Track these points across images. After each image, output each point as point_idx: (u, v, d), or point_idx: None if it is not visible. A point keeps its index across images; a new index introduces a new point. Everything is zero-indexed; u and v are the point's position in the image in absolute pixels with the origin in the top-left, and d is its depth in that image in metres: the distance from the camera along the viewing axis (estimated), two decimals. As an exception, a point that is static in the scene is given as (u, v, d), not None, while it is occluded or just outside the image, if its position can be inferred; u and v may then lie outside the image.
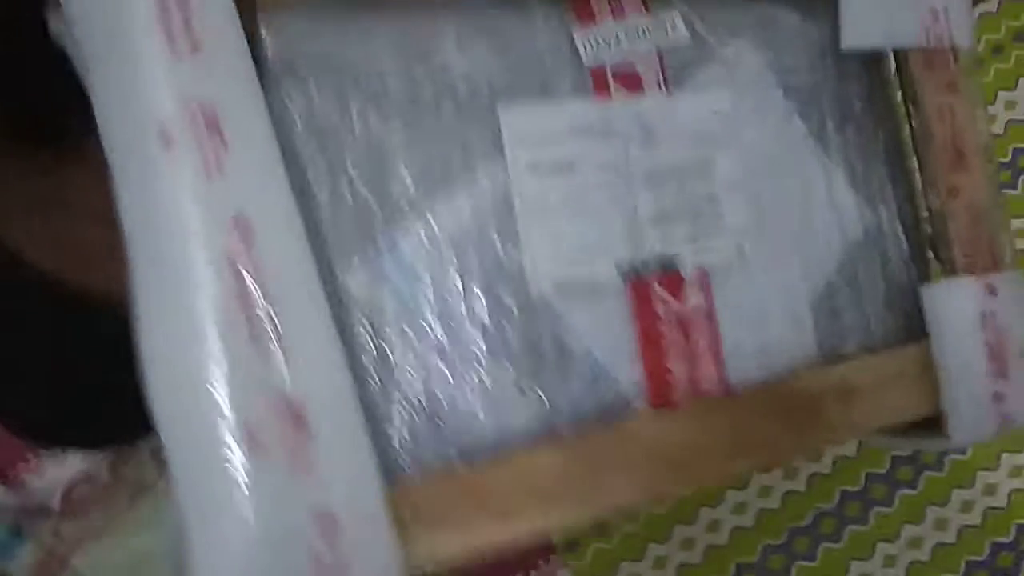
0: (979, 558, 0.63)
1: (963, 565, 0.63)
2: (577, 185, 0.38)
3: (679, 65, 0.41)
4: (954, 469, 0.64)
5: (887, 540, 0.63)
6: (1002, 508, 0.64)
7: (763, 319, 0.41)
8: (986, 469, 0.64)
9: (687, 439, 0.38)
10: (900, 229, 0.45)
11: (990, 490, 0.64)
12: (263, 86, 0.32)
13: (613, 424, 0.37)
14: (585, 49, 0.39)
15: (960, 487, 0.64)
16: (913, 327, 0.44)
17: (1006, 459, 0.64)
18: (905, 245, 0.45)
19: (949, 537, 0.64)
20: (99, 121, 0.31)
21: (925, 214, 0.44)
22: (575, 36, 0.39)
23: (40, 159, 0.47)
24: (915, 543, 0.63)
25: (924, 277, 0.45)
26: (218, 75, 0.30)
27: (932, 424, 0.44)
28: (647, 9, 0.40)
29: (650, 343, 0.39)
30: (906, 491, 0.64)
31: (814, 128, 0.44)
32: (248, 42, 0.32)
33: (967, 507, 0.64)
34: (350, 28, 0.35)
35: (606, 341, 0.38)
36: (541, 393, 0.37)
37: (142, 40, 0.29)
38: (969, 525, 0.64)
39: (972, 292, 0.43)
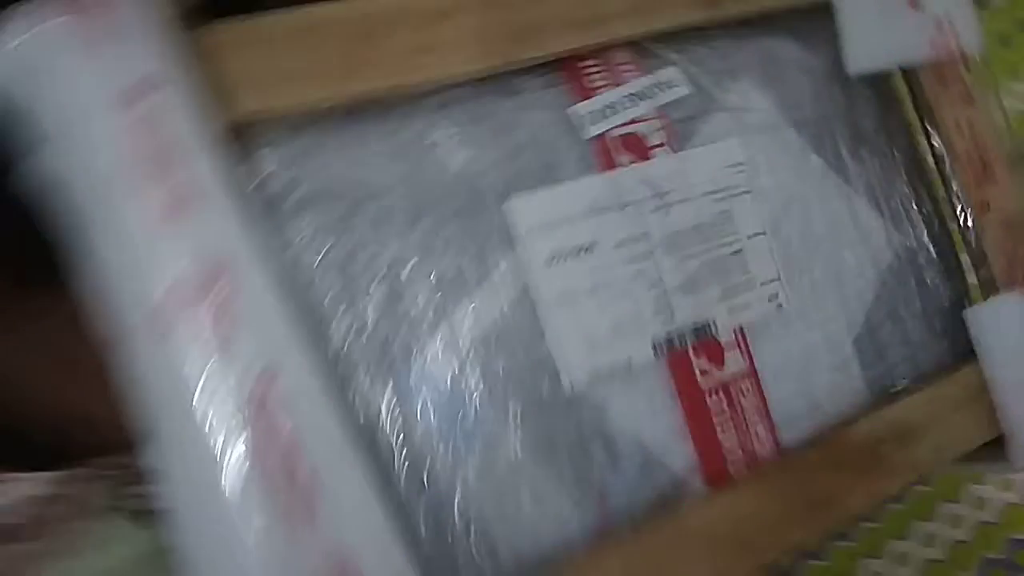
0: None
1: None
2: (597, 266, 0.36)
3: (684, 120, 0.39)
4: (941, 482, 0.59)
5: (873, 556, 0.58)
6: (994, 523, 0.59)
7: (808, 368, 0.40)
8: (975, 483, 0.59)
9: (749, 512, 0.36)
10: (931, 248, 0.43)
11: (980, 504, 0.59)
12: (266, 218, 0.31)
13: (671, 511, 0.35)
14: (584, 123, 0.37)
15: (949, 500, 0.59)
16: (958, 349, 0.42)
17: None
18: (939, 265, 0.43)
19: (938, 553, 0.58)
20: (92, 290, 0.29)
21: (956, 231, 0.42)
22: (572, 112, 0.37)
23: (35, 298, 0.45)
24: (901, 559, 0.58)
25: (963, 296, 0.43)
26: (217, 228, 0.28)
27: (993, 447, 0.42)
28: (642, 68, 0.38)
29: (697, 418, 0.37)
30: (892, 505, 0.58)
31: (830, 159, 0.42)
32: (246, 175, 0.31)
33: (956, 521, 0.59)
34: (346, 143, 0.34)
35: (651, 424, 0.36)
36: (592, 489, 0.35)
37: (133, 209, 0.28)
38: (959, 540, 0.59)
39: (1017, 307, 0.41)
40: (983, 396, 0.41)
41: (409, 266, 0.33)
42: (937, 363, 0.42)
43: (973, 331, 0.41)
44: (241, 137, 0.32)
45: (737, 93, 0.40)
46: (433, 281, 0.34)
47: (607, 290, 0.36)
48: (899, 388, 0.41)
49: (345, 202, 0.33)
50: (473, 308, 0.34)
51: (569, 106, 0.37)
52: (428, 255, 0.34)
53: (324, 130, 0.34)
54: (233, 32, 0.32)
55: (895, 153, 0.43)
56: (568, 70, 0.37)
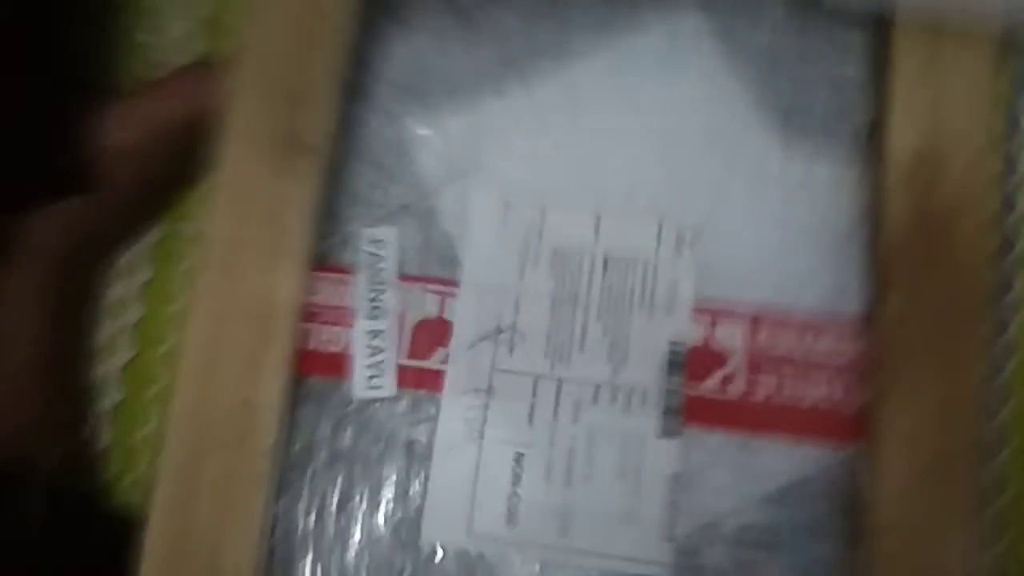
0: None
1: None
2: (534, 450, 0.29)
3: (427, 258, 0.30)
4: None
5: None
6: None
7: (779, 228, 0.31)
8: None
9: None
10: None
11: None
12: None
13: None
14: (370, 386, 0.29)
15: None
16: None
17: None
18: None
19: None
20: None
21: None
22: (352, 392, 0.29)
23: None
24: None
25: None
26: None
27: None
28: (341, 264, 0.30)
29: (767, 419, 0.29)
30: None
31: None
32: None
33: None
34: None
35: (735, 471, 0.29)
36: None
37: None
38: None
39: None
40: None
41: None
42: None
43: None
44: None
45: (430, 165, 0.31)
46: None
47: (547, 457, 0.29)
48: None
49: None
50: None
51: (345, 389, 0.29)
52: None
53: None
54: None
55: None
56: (304, 361, 0.29)
